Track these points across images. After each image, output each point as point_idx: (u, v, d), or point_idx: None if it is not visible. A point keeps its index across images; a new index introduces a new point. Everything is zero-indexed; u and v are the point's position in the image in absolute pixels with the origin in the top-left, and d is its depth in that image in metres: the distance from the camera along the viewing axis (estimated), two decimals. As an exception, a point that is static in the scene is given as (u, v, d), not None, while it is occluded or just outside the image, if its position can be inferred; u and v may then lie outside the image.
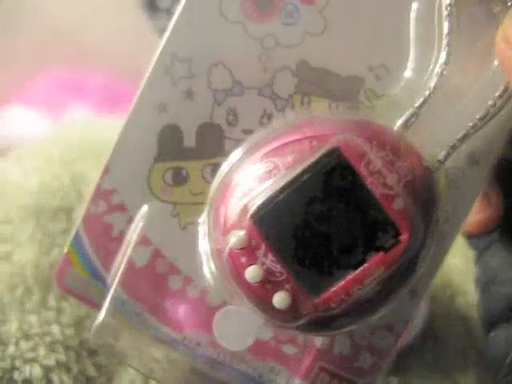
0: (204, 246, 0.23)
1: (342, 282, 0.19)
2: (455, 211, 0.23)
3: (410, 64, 0.23)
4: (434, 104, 0.22)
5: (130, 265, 0.24)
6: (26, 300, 0.35)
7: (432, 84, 0.22)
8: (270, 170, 0.20)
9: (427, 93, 0.22)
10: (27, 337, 0.34)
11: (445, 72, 0.22)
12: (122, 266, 0.24)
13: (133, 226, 0.24)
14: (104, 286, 0.24)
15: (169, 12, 0.81)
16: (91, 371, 0.34)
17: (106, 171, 0.24)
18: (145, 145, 0.24)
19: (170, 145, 0.24)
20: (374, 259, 0.19)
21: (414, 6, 0.23)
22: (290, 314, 0.20)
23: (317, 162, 0.20)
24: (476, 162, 0.23)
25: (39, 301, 0.35)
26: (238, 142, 0.23)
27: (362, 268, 0.19)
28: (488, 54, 0.22)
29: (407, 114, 0.22)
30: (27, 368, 0.33)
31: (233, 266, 0.20)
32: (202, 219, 0.23)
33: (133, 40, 0.91)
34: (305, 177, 0.20)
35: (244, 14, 0.23)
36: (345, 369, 0.23)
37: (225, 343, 0.23)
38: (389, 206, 0.19)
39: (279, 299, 0.19)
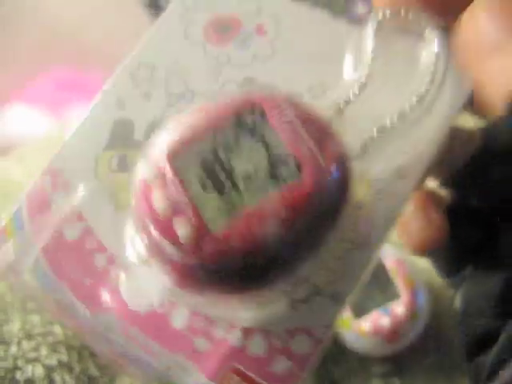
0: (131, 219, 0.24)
1: (243, 215, 0.19)
2: (379, 222, 0.23)
3: (345, 83, 0.25)
4: (359, 105, 0.24)
5: (59, 237, 0.24)
6: (28, 300, 0.35)
7: (357, 88, 0.24)
8: (188, 118, 0.22)
9: (356, 90, 0.24)
10: (29, 337, 0.34)
11: (367, 82, 0.24)
12: (50, 236, 0.24)
13: (69, 202, 0.25)
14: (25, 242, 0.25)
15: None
16: (93, 371, 0.34)
17: (59, 153, 0.26)
18: (98, 133, 0.26)
19: (120, 135, 0.26)
20: (275, 194, 0.20)
21: (356, 32, 0.25)
22: (193, 244, 0.19)
23: (231, 104, 0.21)
24: (403, 176, 0.24)
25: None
26: None
27: (261, 201, 0.19)
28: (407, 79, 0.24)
29: (338, 102, 0.23)
30: (29, 368, 0.33)
31: (143, 197, 0.21)
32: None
33: (133, 39, 0.91)
34: (217, 115, 0.21)
35: (204, 38, 0.27)
36: (258, 372, 0.22)
37: (129, 302, 0.23)
38: (293, 147, 0.20)
39: (182, 228, 0.19)
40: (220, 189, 0.20)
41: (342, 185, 0.21)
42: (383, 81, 0.24)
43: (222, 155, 0.20)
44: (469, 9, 0.21)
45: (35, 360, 0.33)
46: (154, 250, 0.21)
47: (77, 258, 0.24)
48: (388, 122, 0.23)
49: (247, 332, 0.22)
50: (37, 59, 0.93)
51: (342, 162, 0.21)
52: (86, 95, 0.88)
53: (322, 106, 0.23)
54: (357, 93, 0.24)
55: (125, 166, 0.25)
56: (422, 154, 0.24)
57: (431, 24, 0.24)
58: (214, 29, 0.27)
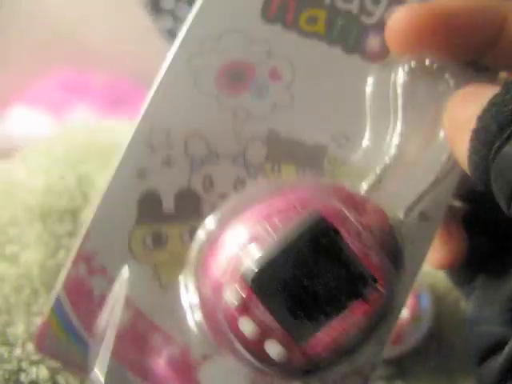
0: (188, 299, 0.24)
1: (328, 329, 0.21)
2: (410, 263, 0.24)
3: (367, 134, 0.25)
4: (393, 170, 0.25)
5: (113, 327, 0.24)
6: (33, 302, 0.35)
7: (392, 151, 0.25)
8: (259, 233, 0.22)
9: (387, 160, 0.25)
10: (34, 339, 0.34)
11: (401, 141, 0.25)
12: (110, 333, 0.24)
13: (114, 288, 0.25)
14: (85, 349, 0.25)
15: (172, 13, 0.81)
16: (97, 373, 0.34)
17: (87, 235, 0.25)
18: (125, 209, 0.25)
19: (149, 209, 0.25)
20: (356, 307, 0.21)
21: (370, 80, 0.26)
22: (282, 364, 0.21)
23: (302, 225, 0.22)
24: (426, 219, 0.25)
25: (45, 302, 0.35)
26: (214, 206, 0.25)
27: (343, 315, 0.21)
28: (436, 126, 0.25)
29: (371, 178, 0.24)
30: (34, 370, 0.33)
31: (228, 320, 0.22)
32: (184, 276, 0.25)
33: (135, 40, 0.91)
34: (292, 239, 0.22)
35: (217, 88, 0.25)
36: None
37: None
38: (367, 260, 0.21)
39: (272, 349, 0.21)
40: (306, 309, 0.21)
41: (402, 270, 0.23)
42: (414, 134, 0.25)
43: (303, 277, 0.21)
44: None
45: (39, 362, 0.33)
46: (233, 351, 0.22)
47: (132, 343, 0.24)
48: (423, 189, 0.25)
49: None
50: (38, 60, 0.93)
51: (399, 251, 0.23)
52: (87, 96, 0.88)
53: (351, 158, 0.24)
54: (392, 157, 0.25)
55: (160, 242, 0.25)
56: (442, 194, 0.25)
57: (454, 71, 0.24)
58: (226, 76, 0.25)
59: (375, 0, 0.26)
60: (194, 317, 0.24)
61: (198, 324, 0.24)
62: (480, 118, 0.20)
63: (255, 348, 0.21)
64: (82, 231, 0.25)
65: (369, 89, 0.25)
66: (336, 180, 0.25)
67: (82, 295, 0.24)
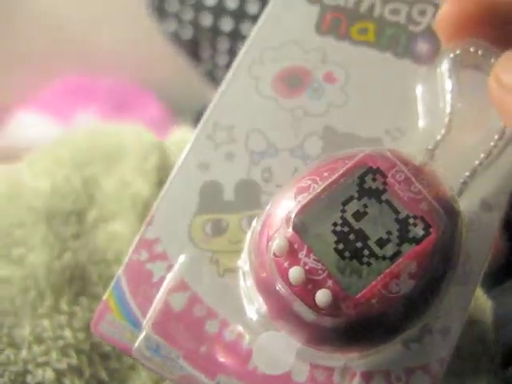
0: (245, 284, 0.25)
1: (381, 276, 0.21)
2: (476, 252, 0.24)
3: (421, 123, 0.27)
4: (444, 147, 0.25)
5: (166, 308, 0.25)
6: (39, 304, 0.34)
7: (443, 131, 0.25)
8: (308, 185, 0.22)
9: (438, 137, 0.25)
10: (40, 341, 0.33)
11: (451, 120, 0.25)
12: (157, 309, 0.25)
13: (171, 272, 0.26)
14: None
15: (177, 16, 0.81)
16: (103, 375, 0.34)
17: (150, 222, 0.27)
18: (187, 199, 0.27)
19: (210, 198, 0.27)
20: (408, 252, 0.21)
21: (420, 79, 0.27)
22: (333, 311, 0.21)
23: (350, 169, 0.22)
24: (489, 208, 0.25)
25: (51, 305, 0.35)
26: (272, 196, 0.25)
27: (398, 261, 0.21)
28: (484, 110, 0.26)
29: (423, 155, 0.24)
30: (40, 372, 0.33)
31: (277, 272, 0.21)
32: (243, 260, 0.25)
33: (140, 44, 0.92)
34: (339, 182, 0.22)
35: (274, 92, 0.28)
36: None
37: (263, 367, 0.24)
38: (416, 206, 0.21)
39: (321, 296, 0.20)
40: (358, 256, 0.21)
41: (457, 228, 0.22)
42: (464, 118, 0.26)
43: (352, 222, 0.21)
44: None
45: (45, 364, 0.33)
46: (286, 315, 0.22)
47: (187, 328, 0.25)
48: (476, 163, 0.25)
49: (367, 377, 0.23)
50: (44, 65, 0.94)
51: (455, 206, 0.22)
52: (93, 100, 0.89)
53: (408, 150, 0.24)
54: (444, 134, 0.25)
55: (219, 229, 0.26)
56: (504, 184, 0.25)
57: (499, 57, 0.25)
58: (284, 81, 0.28)
59: (421, 11, 0.28)
60: (249, 300, 0.24)
61: (256, 308, 0.24)
62: None
63: (305, 298, 0.21)
64: (146, 220, 0.26)
65: (419, 87, 0.27)
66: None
67: (142, 280, 0.26)
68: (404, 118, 0.27)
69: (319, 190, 0.22)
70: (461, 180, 0.24)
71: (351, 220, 0.21)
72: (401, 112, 0.27)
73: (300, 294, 0.21)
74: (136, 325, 0.25)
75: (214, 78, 0.84)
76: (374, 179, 0.22)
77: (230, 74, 0.29)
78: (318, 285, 0.21)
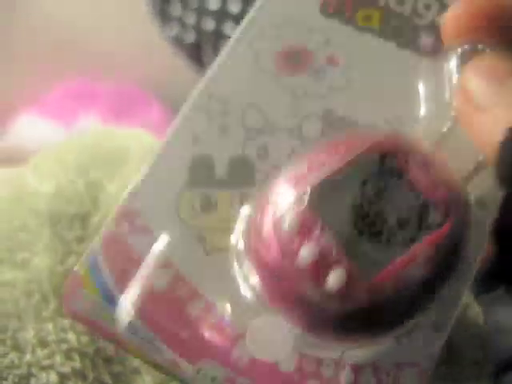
0: (238, 263, 0.23)
1: (398, 260, 0.20)
2: (470, 251, 0.24)
3: (420, 114, 0.26)
4: (449, 140, 0.25)
5: (147, 287, 0.24)
6: (43, 307, 0.35)
7: (448, 123, 0.25)
8: (322, 162, 0.22)
9: (444, 129, 0.25)
10: (44, 344, 0.34)
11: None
12: (137, 288, 0.24)
13: (154, 248, 0.24)
14: (115, 310, 0.24)
15: (180, 20, 0.81)
16: (107, 379, 0.34)
17: (133, 194, 0.25)
18: (176, 172, 0.25)
19: (200, 173, 0.25)
20: (426, 237, 0.20)
21: (424, 63, 0.27)
22: (344, 295, 0.20)
23: (370, 149, 0.21)
24: (484, 206, 0.24)
25: (55, 308, 0.35)
26: (267, 175, 0.25)
27: (415, 245, 0.20)
28: None
29: (436, 140, 0.24)
30: (43, 375, 0.33)
31: (286, 250, 0.20)
32: (235, 239, 0.24)
33: (143, 48, 0.92)
34: (358, 161, 0.21)
35: (277, 67, 0.27)
36: None
37: (257, 353, 0.23)
38: (435, 192, 0.21)
39: (335, 277, 0.19)
40: (376, 237, 0.20)
41: (468, 218, 0.22)
42: None
43: (371, 201, 0.20)
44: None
45: (49, 367, 0.33)
46: (290, 298, 0.21)
47: (168, 309, 0.23)
48: (480, 158, 0.24)
49: (356, 369, 0.22)
50: (47, 69, 0.94)
51: (466, 197, 0.22)
52: (96, 104, 0.89)
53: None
54: (450, 127, 0.24)
55: (209, 206, 0.25)
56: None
57: None
58: (285, 59, 0.27)
59: (427, 5, 0.28)
60: (242, 282, 0.23)
61: (251, 291, 0.23)
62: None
63: (316, 279, 0.20)
64: (127, 191, 0.25)
65: (421, 79, 0.27)
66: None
67: (121, 254, 0.24)
68: (404, 108, 0.26)
69: (336, 167, 0.21)
70: (464, 174, 0.24)
71: (371, 199, 0.21)
72: (401, 102, 0.27)
73: (310, 274, 0.20)
74: (111, 301, 0.24)
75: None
76: (394, 161, 0.21)
77: (228, 47, 0.27)
78: (330, 265, 0.20)
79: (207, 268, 0.24)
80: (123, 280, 0.24)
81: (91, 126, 0.58)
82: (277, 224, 0.21)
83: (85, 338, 0.34)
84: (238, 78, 0.27)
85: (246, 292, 0.23)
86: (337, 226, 0.20)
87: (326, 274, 0.19)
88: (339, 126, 0.26)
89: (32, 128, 0.84)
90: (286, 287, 0.21)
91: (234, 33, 0.28)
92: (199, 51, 0.80)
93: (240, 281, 0.23)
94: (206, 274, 0.24)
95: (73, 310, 0.24)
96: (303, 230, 0.20)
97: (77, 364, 0.33)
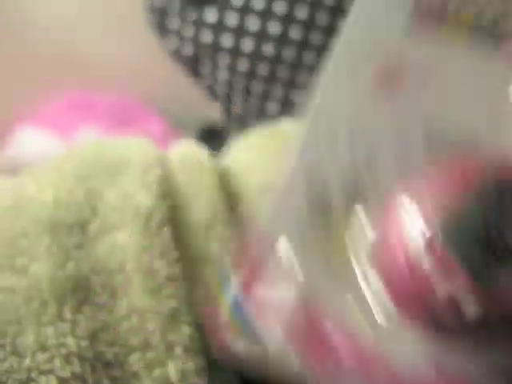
0: (367, 283, 0.24)
1: None
2: None
3: None
4: None
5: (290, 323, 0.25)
6: (42, 312, 0.35)
7: None
8: (441, 191, 0.22)
9: None
10: (43, 348, 0.34)
11: None
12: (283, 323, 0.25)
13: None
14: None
15: (178, 34, 0.82)
16: (106, 383, 0.34)
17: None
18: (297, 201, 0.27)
19: (318, 201, 0.26)
20: None
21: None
22: (482, 320, 0.20)
23: (485, 176, 0.22)
24: None
25: (55, 313, 0.35)
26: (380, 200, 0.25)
27: None
28: None
29: None
30: (43, 379, 0.33)
31: (421, 287, 0.21)
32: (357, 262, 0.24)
33: (142, 61, 0.93)
34: (476, 189, 0.21)
35: (375, 90, 0.27)
36: None
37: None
38: None
39: (471, 309, 0.20)
40: (506, 261, 0.20)
41: None
42: None
43: (493, 229, 0.20)
44: None
45: (49, 372, 0.33)
46: (424, 323, 0.21)
47: (310, 336, 0.24)
48: None
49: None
50: (46, 82, 0.94)
51: None
52: (95, 117, 0.90)
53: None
54: None
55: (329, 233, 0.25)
56: None
57: None
58: (381, 79, 0.27)
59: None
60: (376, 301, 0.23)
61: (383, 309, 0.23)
62: None
63: (453, 312, 0.20)
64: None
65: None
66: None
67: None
68: (500, 117, 0.25)
69: (458, 197, 0.21)
70: None
71: (497, 226, 0.21)
72: (497, 112, 0.26)
73: (449, 309, 0.21)
74: (255, 336, 0.25)
75: (214, 93, 0.85)
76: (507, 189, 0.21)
77: (326, 76, 0.27)
78: (466, 298, 0.20)
79: (335, 291, 0.24)
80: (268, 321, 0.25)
81: (91, 137, 0.59)
82: (409, 259, 0.21)
83: (84, 343, 0.35)
84: (342, 109, 0.27)
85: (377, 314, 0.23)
86: (469, 258, 0.20)
87: (463, 308, 0.20)
88: (444, 142, 0.26)
89: (32, 140, 0.84)
90: (423, 317, 0.21)
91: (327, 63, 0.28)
92: (197, 63, 0.81)
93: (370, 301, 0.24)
94: (334, 296, 0.24)
95: (233, 356, 0.26)
96: (438, 267, 0.20)
97: (76, 368, 0.34)
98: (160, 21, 0.79)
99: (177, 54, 0.83)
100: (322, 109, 0.27)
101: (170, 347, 0.36)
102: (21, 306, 0.35)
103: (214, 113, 0.93)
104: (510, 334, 0.21)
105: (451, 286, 0.20)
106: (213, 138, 0.71)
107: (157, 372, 0.35)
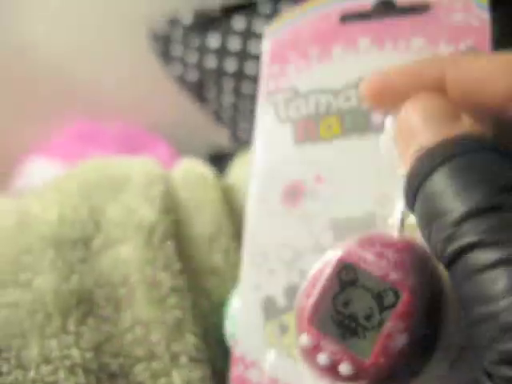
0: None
1: (378, 340, 0.25)
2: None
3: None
4: None
5: None
6: (46, 325, 0.35)
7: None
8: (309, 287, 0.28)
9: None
10: (47, 361, 0.34)
11: None
12: None
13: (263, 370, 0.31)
14: None
15: (182, 60, 0.83)
16: (111, 394, 0.34)
17: (237, 343, 0.32)
18: (254, 313, 0.32)
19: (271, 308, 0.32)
20: (391, 316, 0.25)
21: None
22: (356, 377, 0.25)
23: (330, 271, 0.27)
24: None
25: (59, 326, 0.35)
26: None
27: (385, 326, 0.25)
28: None
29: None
30: None
31: (308, 359, 0.27)
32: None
33: (147, 88, 0.94)
34: (326, 283, 0.27)
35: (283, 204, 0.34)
36: None
37: None
38: (385, 279, 0.26)
39: (344, 368, 0.25)
40: (356, 333, 0.26)
41: (434, 280, 0.26)
42: None
43: (342, 310, 0.26)
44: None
45: (53, 384, 0.33)
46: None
47: None
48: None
49: None
50: (53, 111, 0.96)
51: (428, 262, 0.26)
52: (102, 145, 0.91)
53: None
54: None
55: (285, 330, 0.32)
56: None
57: None
58: (287, 195, 0.33)
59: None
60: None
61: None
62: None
63: (331, 373, 0.26)
64: (232, 341, 0.34)
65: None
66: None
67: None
68: (388, 184, 0.30)
69: (316, 292, 0.27)
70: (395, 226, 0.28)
71: (342, 309, 0.26)
72: (384, 180, 0.30)
73: (327, 372, 0.26)
74: None
75: (220, 117, 0.86)
76: (347, 272, 0.26)
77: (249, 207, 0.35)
78: (339, 362, 0.26)
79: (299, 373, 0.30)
80: None
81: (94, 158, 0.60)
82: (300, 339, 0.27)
83: (89, 354, 0.35)
84: (268, 230, 0.34)
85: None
86: (333, 334, 0.26)
87: (337, 368, 0.26)
88: (346, 227, 0.32)
89: (42, 171, 0.85)
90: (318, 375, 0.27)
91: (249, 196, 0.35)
92: (202, 89, 0.82)
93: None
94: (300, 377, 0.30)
95: None
96: (314, 344, 0.26)
97: (81, 380, 0.34)
98: (164, 48, 0.81)
99: (181, 81, 0.85)
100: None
101: (174, 357, 0.35)
102: (25, 319, 0.35)
103: (220, 138, 0.94)
104: None
105: (326, 354, 0.26)
106: (220, 162, 0.71)
107: (162, 382, 0.35)
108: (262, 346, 0.31)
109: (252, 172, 0.35)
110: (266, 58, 0.37)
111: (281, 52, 0.36)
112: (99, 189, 0.43)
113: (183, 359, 0.35)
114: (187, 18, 0.79)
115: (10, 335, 0.35)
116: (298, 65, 0.35)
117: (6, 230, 0.40)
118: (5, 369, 0.33)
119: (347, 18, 0.35)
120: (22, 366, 0.34)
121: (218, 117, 0.87)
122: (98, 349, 0.35)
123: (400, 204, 0.27)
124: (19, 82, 0.94)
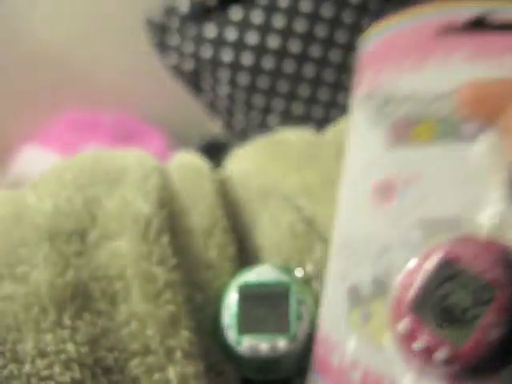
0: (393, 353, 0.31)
1: (475, 332, 0.28)
2: None
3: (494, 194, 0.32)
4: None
5: None
6: (42, 319, 0.35)
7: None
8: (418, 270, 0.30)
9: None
10: (43, 355, 0.34)
11: None
12: None
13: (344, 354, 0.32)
14: None
15: (178, 50, 0.83)
16: (106, 389, 0.34)
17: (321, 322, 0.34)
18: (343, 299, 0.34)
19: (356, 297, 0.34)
20: (489, 310, 0.28)
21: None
22: (450, 363, 0.28)
23: (433, 266, 0.30)
24: None
25: (54, 320, 0.35)
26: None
27: (483, 319, 0.28)
28: None
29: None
30: None
31: (404, 345, 0.29)
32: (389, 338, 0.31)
33: (143, 78, 0.93)
34: (431, 275, 0.29)
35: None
36: None
37: None
38: (484, 276, 0.28)
39: (440, 355, 0.28)
40: (453, 324, 0.28)
41: None
42: None
43: (441, 302, 0.29)
44: None
45: (48, 378, 0.33)
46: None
47: None
48: None
49: None
50: (49, 100, 0.95)
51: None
52: (98, 134, 0.90)
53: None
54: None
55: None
56: None
57: None
58: (376, 195, 0.35)
59: None
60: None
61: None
62: None
63: (426, 359, 0.28)
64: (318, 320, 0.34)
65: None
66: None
67: (328, 370, 0.33)
68: (476, 191, 0.32)
69: (419, 281, 0.29)
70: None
71: (440, 302, 0.28)
72: (473, 187, 0.32)
73: (423, 357, 0.28)
74: None
75: (215, 108, 0.86)
76: (447, 268, 0.29)
77: (342, 189, 0.37)
78: (437, 347, 0.28)
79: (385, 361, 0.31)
80: None
81: (90, 149, 0.60)
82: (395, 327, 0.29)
83: (84, 349, 0.35)
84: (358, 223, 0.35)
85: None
86: (431, 323, 0.28)
87: (434, 355, 0.28)
88: (438, 229, 0.32)
89: (35, 159, 0.85)
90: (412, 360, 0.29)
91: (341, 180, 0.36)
92: (198, 78, 0.82)
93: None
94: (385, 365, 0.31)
95: None
96: (412, 331, 0.29)
97: (76, 374, 0.34)
98: (160, 37, 0.80)
99: (177, 70, 0.84)
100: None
101: (169, 352, 0.35)
102: (20, 312, 0.35)
103: (215, 128, 0.94)
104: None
105: (423, 341, 0.28)
106: (214, 152, 0.71)
107: (157, 376, 0.35)
108: (345, 332, 0.33)
109: (343, 171, 0.37)
110: (361, 64, 0.39)
111: (375, 59, 0.38)
112: (95, 181, 0.43)
113: (178, 354, 0.35)
114: (184, 7, 0.78)
115: (5, 328, 0.34)
116: (392, 73, 0.37)
117: (1, 221, 0.40)
118: (0, 362, 0.33)
119: (443, 30, 0.36)
120: (17, 360, 0.34)
121: (213, 107, 0.86)
122: (93, 343, 0.35)
123: (493, 208, 0.30)
124: (16, 70, 0.93)
